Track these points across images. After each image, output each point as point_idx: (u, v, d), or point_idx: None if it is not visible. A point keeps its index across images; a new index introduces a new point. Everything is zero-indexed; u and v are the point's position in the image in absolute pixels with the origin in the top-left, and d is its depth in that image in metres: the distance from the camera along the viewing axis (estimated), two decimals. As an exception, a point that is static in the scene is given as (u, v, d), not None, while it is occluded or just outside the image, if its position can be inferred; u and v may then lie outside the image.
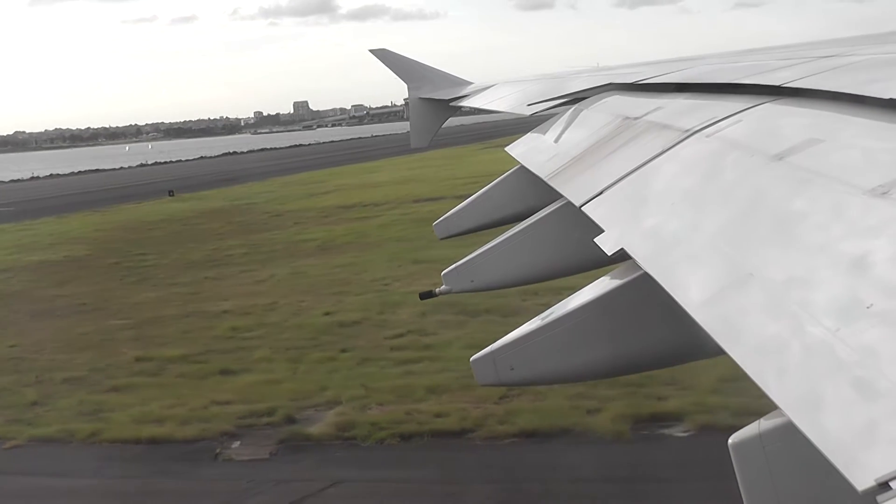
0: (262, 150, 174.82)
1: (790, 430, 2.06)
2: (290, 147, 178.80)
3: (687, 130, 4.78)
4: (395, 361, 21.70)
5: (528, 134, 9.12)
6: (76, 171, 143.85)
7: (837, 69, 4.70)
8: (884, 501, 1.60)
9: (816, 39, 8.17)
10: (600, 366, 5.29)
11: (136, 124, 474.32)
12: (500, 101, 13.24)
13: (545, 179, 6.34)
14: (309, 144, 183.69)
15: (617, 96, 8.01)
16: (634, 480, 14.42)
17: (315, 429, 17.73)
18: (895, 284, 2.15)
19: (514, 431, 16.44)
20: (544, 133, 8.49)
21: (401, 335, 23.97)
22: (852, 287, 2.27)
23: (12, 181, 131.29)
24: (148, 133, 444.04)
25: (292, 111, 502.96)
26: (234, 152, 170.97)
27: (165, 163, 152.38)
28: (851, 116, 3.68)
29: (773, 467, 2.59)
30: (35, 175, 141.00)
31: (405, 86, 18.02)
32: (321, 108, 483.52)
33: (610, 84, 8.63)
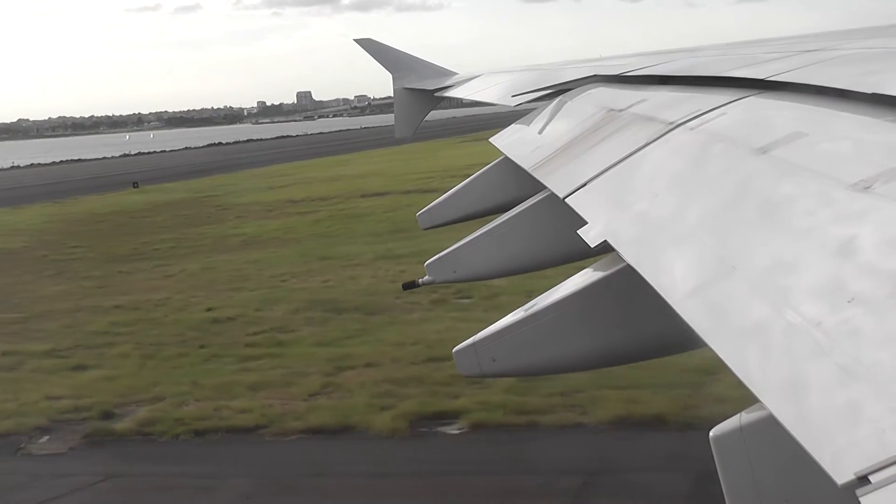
0: (249, 140, 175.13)
1: (771, 424, 2.09)
2: (277, 138, 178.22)
3: (671, 123, 4.81)
4: (240, 358, 22.08)
5: (513, 125, 9.15)
6: (58, 160, 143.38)
7: (823, 63, 4.74)
8: (863, 495, 1.62)
9: (809, 33, 8.42)
10: (583, 357, 5.35)
11: (139, 113, 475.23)
12: (484, 91, 13.28)
13: (529, 171, 6.37)
14: (296, 136, 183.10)
15: (602, 88, 8.03)
16: (371, 476, 14.97)
17: (122, 424, 18.00)
18: (877, 280, 2.18)
19: (303, 428, 16.89)
20: (528, 124, 8.53)
21: (263, 332, 24.41)
22: (835, 282, 2.30)
23: None
24: (150, 122, 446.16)
25: (295, 101, 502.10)
26: (220, 143, 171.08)
27: (149, 153, 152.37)
28: (836, 111, 3.72)
29: (754, 460, 2.62)
30: (15, 164, 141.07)
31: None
32: (324, 99, 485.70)
33: (595, 76, 8.65)
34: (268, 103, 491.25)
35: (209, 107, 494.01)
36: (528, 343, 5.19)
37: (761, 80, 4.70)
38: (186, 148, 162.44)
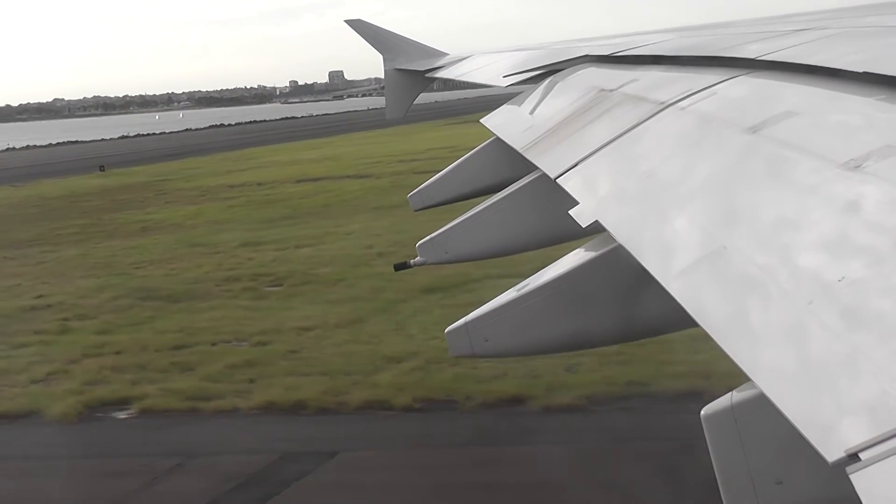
0: (252, 122, 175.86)
1: (762, 403, 2.12)
2: (281, 119, 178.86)
3: (662, 103, 4.80)
4: (14, 345, 23.12)
5: (504, 105, 9.15)
6: (54, 142, 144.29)
7: (814, 42, 4.75)
8: (853, 472, 1.63)
9: (804, 11, 8.29)
10: (575, 338, 5.38)
11: (172, 92, 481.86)
12: (475, 72, 13.28)
13: (520, 151, 6.38)
14: (301, 117, 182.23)
15: (593, 68, 8.01)
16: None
17: None
18: (867, 258, 2.19)
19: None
20: (520, 105, 8.49)
21: (64, 319, 25.55)
22: (825, 260, 2.32)
23: None
24: (180, 102, 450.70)
25: (328, 80, 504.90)
26: (222, 125, 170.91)
27: (147, 135, 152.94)
28: (827, 90, 3.71)
29: (745, 439, 2.63)
30: (11, 146, 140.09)
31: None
32: (357, 78, 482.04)
33: (586, 56, 8.63)
34: (300, 83, 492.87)
35: (242, 86, 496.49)
36: (520, 323, 5.24)
37: (752, 60, 4.72)
38: (187, 129, 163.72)
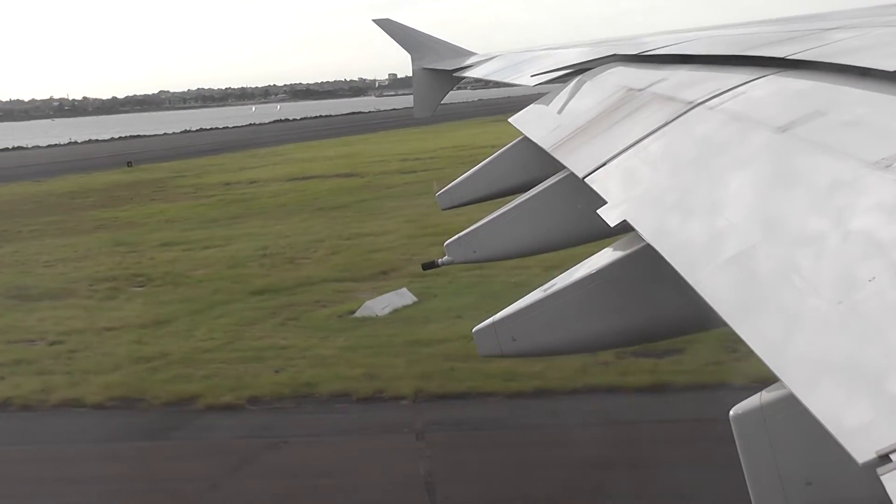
0: (318, 117, 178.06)
1: (791, 403, 2.12)
2: (349, 114, 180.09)
3: (690, 102, 4.82)
4: None
5: (532, 105, 9.19)
6: (117, 136, 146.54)
7: (843, 41, 4.75)
8: (884, 473, 1.64)
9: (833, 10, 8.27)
10: (602, 337, 5.41)
11: (273, 85, 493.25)
12: (502, 71, 13.33)
13: (548, 150, 6.38)
14: (368, 112, 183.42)
15: (621, 67, 8.03)
16: None
17: None
18: (891, 258, 2.20)
19: None
20: (547, 104, 8.53)
21: None
22: (856, 260, 2.32)
23: (49, 146, 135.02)
24: (277, 94, 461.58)
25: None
26: (286, 119, 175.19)
27: (211, 129, 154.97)
28: (855, 89, 3.71)
29: (774, 439, 2.65)
30: (73, 140, 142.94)
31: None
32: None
33: (614, 55, 8.67)
34: (399, 76, 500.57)
35: (342, 79, 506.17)
36: (548, 323, 5.26)
37: (780, 59, 4.72)
38: (251, 124, 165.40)
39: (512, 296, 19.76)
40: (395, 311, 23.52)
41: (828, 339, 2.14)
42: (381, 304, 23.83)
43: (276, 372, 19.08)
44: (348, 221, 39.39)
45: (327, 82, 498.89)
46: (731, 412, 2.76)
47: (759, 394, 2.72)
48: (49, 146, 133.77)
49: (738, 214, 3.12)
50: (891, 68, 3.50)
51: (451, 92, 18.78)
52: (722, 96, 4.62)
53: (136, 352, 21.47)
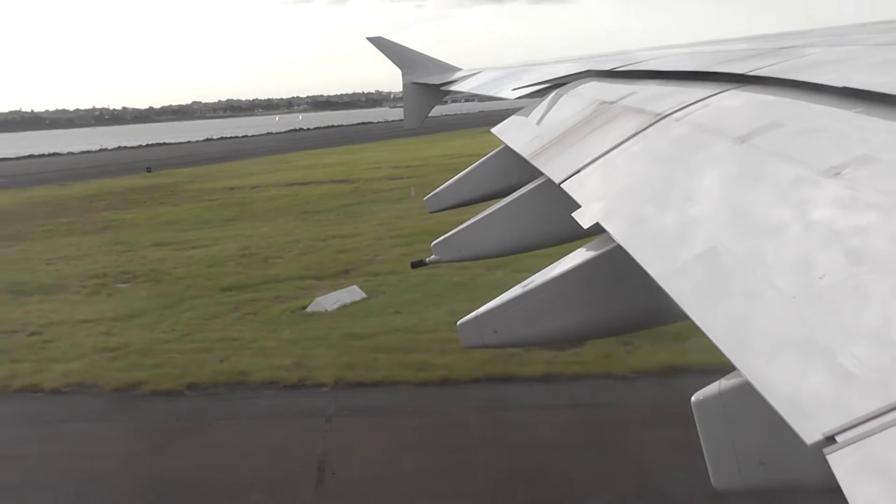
0: (330, 126, 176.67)
1: (747, 390, 2.14)
2: (359, 124, 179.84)
3: (658, 114, 4.85)
4: None
5: (512, 116, 9.20)
6: (144, 144, 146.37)
7: (798, 59, 4.78)
8: (830, 453, 1.68)
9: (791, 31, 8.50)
10: (575, 330, 5.44)
11: (296, 96, 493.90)
12: (486, 86, 13.45)
13: (527, 158, 6.39)
14: (377, 122, 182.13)
15: (595, 82, 8.04)
16: None
17: None
18: (847, 257, 2.24)
19: None
20: (527, 116, 8.55)
21: None
22: (807, 260, 2.36)
23: (82, 152, 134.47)
24: (299, 105, 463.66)
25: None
26: (301, 129, 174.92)
27: (233, 137, 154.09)
28: (809, 103, 3.73)
29: (732, 424, 2.70)
30: (103, 147, 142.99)
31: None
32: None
33: (589, 71, 8.69)
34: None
35: (360, 91, 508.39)
36: (526, 317, 5.29)
37: (741, 75, 4.78)
38: (268, 133, 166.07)
39: (452, 294, 20.63)
40: (344, 306, 23.70)
41: (780, 331, 2.19)
42: (332, 300, 24.03)
43: (221, 362, 19.42)
44: (328, 224, 39.69)
45: (346, 94, 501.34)
46: (693, 398, 2.81)
47: (718, 381, 2.78)
48: (81, 152, 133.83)
49: (702, 217, 3.16)
50: (840, 84, 3.57)
51: (450, 104, 18.90)
52: (687, 109, 4.68)
53: (101, 342, 21.61)
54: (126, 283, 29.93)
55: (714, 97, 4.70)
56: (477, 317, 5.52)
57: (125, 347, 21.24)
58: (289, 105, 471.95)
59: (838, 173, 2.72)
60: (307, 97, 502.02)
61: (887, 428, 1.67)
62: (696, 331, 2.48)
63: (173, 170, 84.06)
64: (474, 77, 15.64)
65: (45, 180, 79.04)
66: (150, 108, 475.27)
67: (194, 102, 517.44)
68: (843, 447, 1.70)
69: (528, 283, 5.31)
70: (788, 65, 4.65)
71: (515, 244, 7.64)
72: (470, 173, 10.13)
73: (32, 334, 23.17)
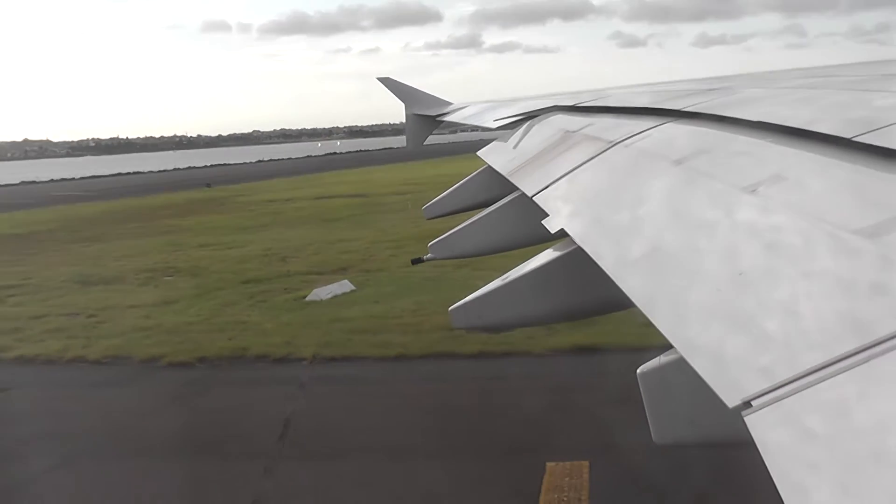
0: (360, 151, 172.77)
1: (681, 364, 2.15)
2: (382, 149, 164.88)
3: (611, 141, 4.87)
4: None
5: (494, 142, 9.29)
6: (210, 164, 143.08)
7: (723, 98, 4.83)
8: (747, 415, 1.70)
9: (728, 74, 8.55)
10: (544, 315, 5.44)
11: (337, 126, 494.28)
12: (472, 117, 13.67)
13: (506, 176, 6.42)
14: (396, 148, 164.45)
15: (560, 115, 8.09)
16: None
17: None
18: (759, 257, 2.28)
19: None
20: (505, 141, 8.60)
21: (12, 294, 27.23)
22: (730, 258, 2.39)
23: (160, 171, 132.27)
24: (338, 133, 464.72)
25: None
26: (335, 153, 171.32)
27: (280, 159, 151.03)
28: (731, 133, 3.76)
29: (669, 391, 2.70)
30: (177, 167, 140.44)
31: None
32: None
33: (555, 106, 8.75)
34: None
35: (387, 122, 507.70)
36: (505, 304, 5.31)
37: (678, 111, 4.83)
38: (308, 156, 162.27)
39: (422, 288, 21.33)
40: (335, 296, 23.82)
41: (708, 314, 2.21)
42: (326, 291, 24.13)
43: (229, 339, 19.97)
44: (338, 230, 39.93)
45: (376, 124, 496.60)
46: (638, 371, 2.82)
47: (659, 357, 2.77)
48: (160, 171, 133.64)
49: (645, 224, 3.18)
50: (755, 119, 3.62)
51: (458, 133, 18.97)
52: (634, 137, 4.70)
53: (140, 324, 21.77)
54: (171, 276, 30.23)
55: (656, 128, 4.74)
56: (465, 304, 5.55)
57: (157, 328, 21.61)
58: (329, 133, 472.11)
59: (754, 190, 2.77)
60: (344, 127, 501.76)
61: (792, 394, 1.69)
62: (609, 318, 2.57)
63: (227, 185, 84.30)
64: (462, 110, 15.91)
65: (127, 193, 79.51)
66: (219, 136, 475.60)
67: (254, 131, 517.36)
68: (757, 410, 1.71)
69: (507, 277, 5.35)
70: (717, 102, 4.71)
71: (496, 245, 7.69)
72: (460, 187, 10.26)
73: (90, 316, 23.44)
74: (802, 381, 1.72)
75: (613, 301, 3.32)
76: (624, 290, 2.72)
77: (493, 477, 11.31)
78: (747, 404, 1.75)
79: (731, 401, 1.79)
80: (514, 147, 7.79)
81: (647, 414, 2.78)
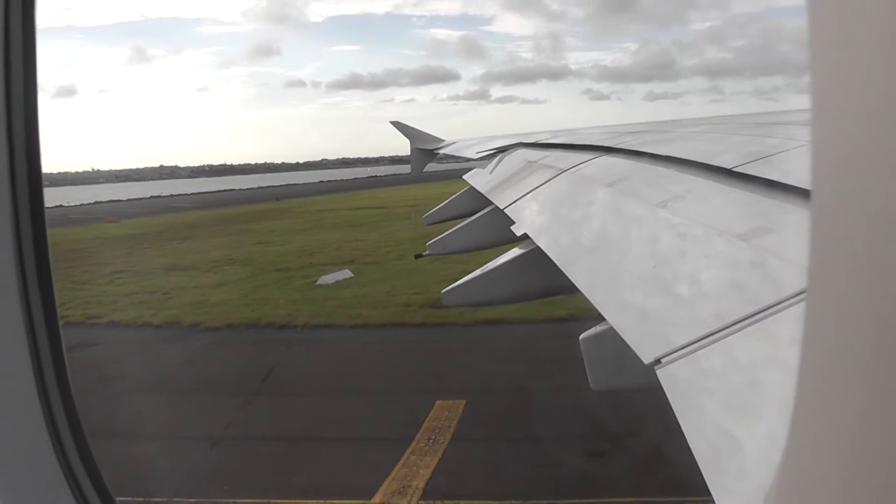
0: (393, 175, 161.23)
1: (611, 331, 2.11)
2: (428, 171, 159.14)
3: (561, 169, 4.79)
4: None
5: (475, 169, 9.24)
6: (283, 184, 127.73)
7: (644, 138, 4.78)
8: (657, 369, 1.67)
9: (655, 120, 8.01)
10: (513, 295, 5.26)
11: (383, 156, 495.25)
12: (460, 150, 13.58)
13: (484, 193, 6.35)
14: (432, 171, 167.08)
15: (524, 149, 8.01)
16: None
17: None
18: (669, 253, 2.24)
19: None
20: (483, 168, 8.60)
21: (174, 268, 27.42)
22: (647, 254, 2.34)
23: (247, 188, 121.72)
24: (382, 162, 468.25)
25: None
26: (376, 175, 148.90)
27: (335, 181, 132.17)
28: (648, 165, 3.73)
29: (603, 351, 2.57)
30: (260, 186, 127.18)
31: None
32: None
33: (521, 142, 8.73)
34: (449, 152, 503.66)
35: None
36: (485, 286, 5.20)
37: (610, 147, 4.76)
38: (355, 178, 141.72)
39: (402, 277, 21.10)
40: (337, 282, 23.46)
41: (632, 296, 2.16)
42: (331, 278, 23.78)
43: (252, 312, 20.09)
44: (357, 233, 39.50)
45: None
46: (581, 337, 2.69)
47: (596, 326, 2.65)
48: (247, 189, 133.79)
49: (585, 229, 3.12)
50: (664, 153, 3.58)
51: (470, 162, 18.29)
52: (578, 166, 4.64)
53: (195, 299, 21.62)
54: (229, 266, 30.12)
55: (594, 160, 4.69)
56: (454, 287, 5.44)
57: (206, 302, 21.45)
58: (377, 161, 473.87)
59: (665, 205, 2.73)
60: (388, 156, 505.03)
61: (691, 353, 1.66)
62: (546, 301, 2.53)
63: (291, 199, 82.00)
64: (453, 145, 15.89)
65: (220, 205, 77.10)
66: (297, 163, 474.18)
67: (323, 159, 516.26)
68: (664, 366, 1.69)
69: (486, 267, 5.23)
70: (639, 141, 4.67)
71: (477, 244, 7.55)
72: (450, 202, 10.16)
73: (164, 294, 23.29)
74: (697, 344, 1.71)
75: (562, 286, 3.19)
76: (570, 277, 2.68)
77: (397, 409, 11.58)
78: (658, 361, 1.73)
79: (647, 358, 1.77)
80: (490, 172, 7.75)
81: (587, 368, 2.69)
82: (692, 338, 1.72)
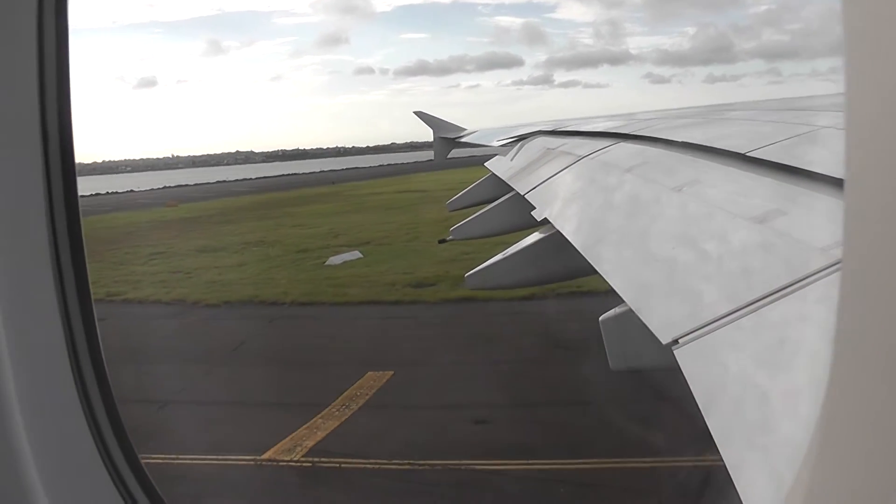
0: (449, 158, 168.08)
1: (630, 314, 2.15)
2: (468, 156, 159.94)
3: (580, 156, 4.87)
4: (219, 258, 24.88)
5: (496, 156, 9.22)
6: (343, 168, 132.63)
7: (658, 125, 4.84)
8: (675, 350, 1.71)
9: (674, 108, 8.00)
10: (534, 279, 5.44)
11: (428, 140, 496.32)
12: (481, 139, 13.76)
13: (505, 180, 6.40)
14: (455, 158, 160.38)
15: (544, 137, 8.02)
16: None
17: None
18: (687, 235, 2.31)
19: None
20: (504, 155, 8.57)
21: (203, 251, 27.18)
22: (665, 235, 2.41)
23: (309, 172, 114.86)
24: (425, 149, 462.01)
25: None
26: (418, 161, 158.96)
27: (395, 164, 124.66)
28: (665, 150, 3.78)
29: (623, 332, 2.64)
30: (322, 170, 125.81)
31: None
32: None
33: (540, 130, 8.71)
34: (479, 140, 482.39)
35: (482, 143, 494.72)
36: (506, 271, 5.31)
37: (626, 134, 4.82)
38: (415, 161, 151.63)
39: (406, 258, 21.32)
40: (345, 262, 23.26)
41: (651, 277, 2.20)
42: (340, 258, 23.65)
43: (254, 290, 19.70)
44: (389, 216, 36.93)
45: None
46: (601, 318, 2.73)
47: (615, 308, 2.68)
48: (309, 172, 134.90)
49: (604, 213, 3.16)
50: (680, 140, 3.58)
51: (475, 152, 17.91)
52: (597, 153, 4.71)
53: (211, 279, 21.78)
54: (258, 247, 28.87)
55: (611, 146, 4.75)
56: (477, 271, 5.59)
57: (219, 282, 21.17)
58: (424, 147, 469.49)
59: (680, 189, 2.76)
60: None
61: (704, 335, 1.70)
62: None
63: (346, 183, 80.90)
64: (474, 134, 16.15)
65: (276, 189, 74.94)
66: (367, 146, 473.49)
67: (392, 143, 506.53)
68: (682, 346, 1.72)
69: (507, 253, 5.35)
70: (654, 129, 4.72)
71: (498, 230, 7.65)
72: (473, 188, 10.27)
73: (185, 274, 23.23)
74: (713, 325, 1.74)
75: (582, 269, 3.24)
76: (590, 260, 2.70)
77: (330, 379, 12.17)
78: (675, 341, 1.77)
79: (665, 339, 1.81)
80: (511, 160, 7.82)
81: (606, 348, 2.75)
82: (710, 318, 1.75)
